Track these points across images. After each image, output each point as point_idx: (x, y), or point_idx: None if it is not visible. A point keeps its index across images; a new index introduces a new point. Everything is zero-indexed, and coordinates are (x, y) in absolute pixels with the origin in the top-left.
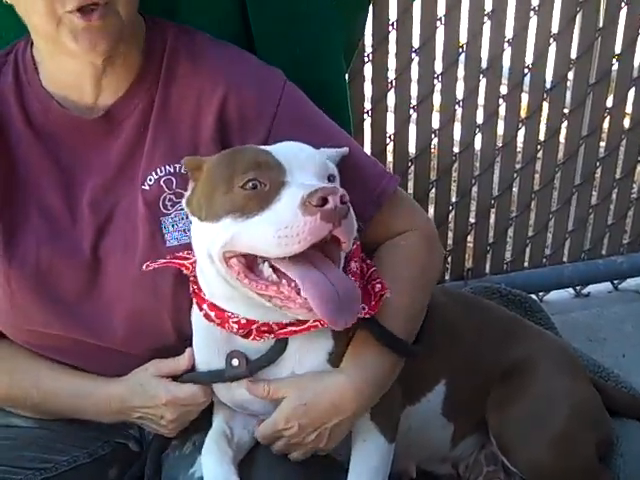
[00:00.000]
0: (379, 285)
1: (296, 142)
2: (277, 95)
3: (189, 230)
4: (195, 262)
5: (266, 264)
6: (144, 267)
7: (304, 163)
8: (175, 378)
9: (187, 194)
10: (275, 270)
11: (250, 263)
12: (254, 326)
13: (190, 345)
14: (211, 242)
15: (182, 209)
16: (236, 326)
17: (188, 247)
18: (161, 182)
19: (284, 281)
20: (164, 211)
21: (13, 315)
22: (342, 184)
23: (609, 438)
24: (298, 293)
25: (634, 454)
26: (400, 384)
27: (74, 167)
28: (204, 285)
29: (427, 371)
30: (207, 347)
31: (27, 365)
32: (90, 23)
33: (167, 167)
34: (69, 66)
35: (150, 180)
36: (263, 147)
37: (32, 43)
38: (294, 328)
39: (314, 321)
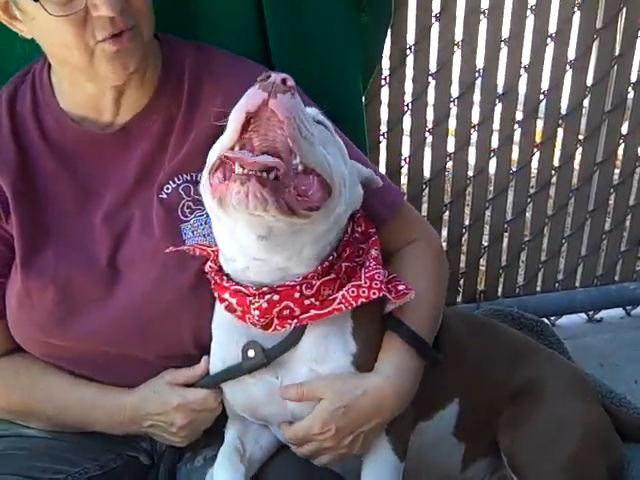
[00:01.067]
0: (402, 286)
1: None
2: None
3: (209, 234)
4: (217, 251)
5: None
6: (167, 250)
7: None
8: (190, 387)
9: None
10: None
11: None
12: (275, 310)
13: (207, 355)
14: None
15: (201, 215)
16: (257, 312)
17: None
18: (179, 189)
19: None
20: (183, 218)
21: (31, 327)
22: None
23: (620, 462)
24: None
25: None
26: (412, 401)
27: (91, 180)
28: (222, 257)
29: (441, 388)
30: (228, 343)
31: (41, 378)
32: (121, 47)
33: (184, 175)
34: (88, 90)
35: (168, 189)
36: None
37: (49, 64)
38: (317, 312)
39: (338, 303)
